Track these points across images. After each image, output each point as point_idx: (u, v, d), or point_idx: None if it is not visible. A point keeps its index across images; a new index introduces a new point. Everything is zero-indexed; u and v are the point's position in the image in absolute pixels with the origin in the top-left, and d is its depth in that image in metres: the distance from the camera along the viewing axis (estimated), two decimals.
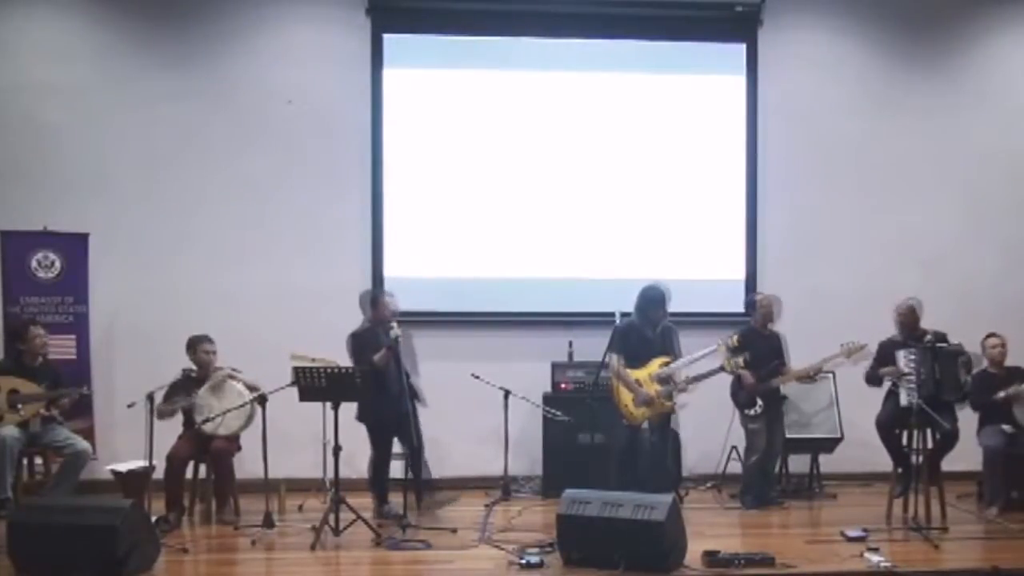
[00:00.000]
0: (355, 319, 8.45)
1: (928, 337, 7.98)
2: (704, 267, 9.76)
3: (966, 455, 8.50)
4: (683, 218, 9.83)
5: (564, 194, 9.75)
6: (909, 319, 8.31)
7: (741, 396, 8.51)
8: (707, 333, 8.77)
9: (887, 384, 8.28)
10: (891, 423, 8.16)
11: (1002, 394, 8.30)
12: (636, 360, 8.18)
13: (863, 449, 9.04)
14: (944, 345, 7.96)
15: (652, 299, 8.12)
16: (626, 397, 8.12)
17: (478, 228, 9.68)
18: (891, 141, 9.99)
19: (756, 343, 8.38)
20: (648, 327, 8.15)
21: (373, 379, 7.63)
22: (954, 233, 10.05)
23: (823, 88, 9.96)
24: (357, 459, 8.59)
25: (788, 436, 8.91)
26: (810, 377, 8.57)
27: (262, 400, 7.67)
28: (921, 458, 7.75)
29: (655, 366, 8.14)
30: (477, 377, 8.87)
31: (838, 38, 9.95)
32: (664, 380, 8.08)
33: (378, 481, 8.18)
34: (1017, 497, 8.31)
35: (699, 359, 8.22)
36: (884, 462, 8.39)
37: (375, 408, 7.83)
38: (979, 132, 10.06)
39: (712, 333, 8.74)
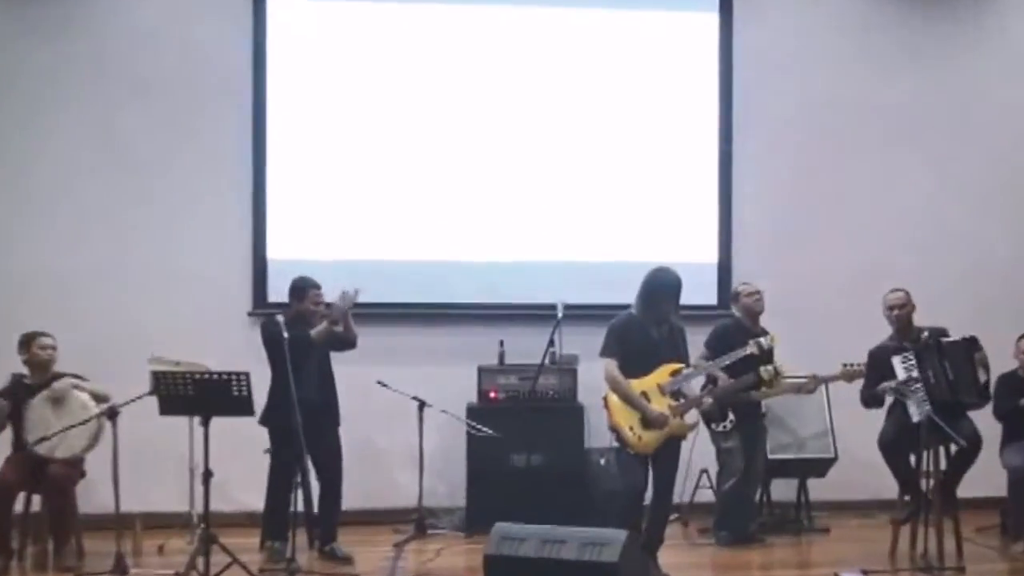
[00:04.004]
0: (231, 312, 8.46)
1: (925, 334, 7.99)
2: (667, 248, 9.66)
3: (987, 479, 8.50)
4: (642, 188, 9.89)
5: (494, 158, 9.77)
6: (905, 314, 8.31)
7: (711, 409, 8.40)
8: None
9: (891, 398, 8.27)
10: (899, 442, 8.16)
11: None
12: (637, 367, 7.57)
13: (862, 471, 9.11)
14: (950, 338, 7.98)
15: (664, 285, 7.50)
16: (628, 417, 7.45)
17: (386, 199, 9.67)
18: (893, 98, 10.08)
19: (743, 342, 8.22)
20: (653, 324, 7.56)
21: (294, 371, 7.55)
22: (965, 210, 10.18)
23: (812, 32, 10.06)
24: (232, 487, 8.58)
25: (770, 456, 8.94)
26: (801, 391, 8.68)
27: (112, 414, 7.45)
28: (933, 481, 7.70)
29: (664, 374, 7.54)
30: (383, 384, 8.68)
31: None
32: (677, 394, 7.60)
33: (277, 511, 8.04)
34: None
35: (723, 366, 8.08)
36: (887, 487, 8.39)
37: (287, 409, 7.55)
38: (1000, 88, 10.20)
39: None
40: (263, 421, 8.00)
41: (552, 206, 9.80)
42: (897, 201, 10.09)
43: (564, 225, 9.80)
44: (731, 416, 8.43)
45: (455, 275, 9.69)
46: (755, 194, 9.96)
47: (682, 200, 9.93)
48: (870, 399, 8.30)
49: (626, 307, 7.63)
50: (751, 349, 7.98)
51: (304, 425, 7.45)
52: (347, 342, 8.18)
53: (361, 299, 7.98)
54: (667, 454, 7.50)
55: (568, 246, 9.74)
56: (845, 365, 8.34)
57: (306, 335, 7.82)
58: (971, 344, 7.93)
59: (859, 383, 8.47)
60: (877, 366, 8.25)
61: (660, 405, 7.42)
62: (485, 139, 9.77)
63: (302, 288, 8.16)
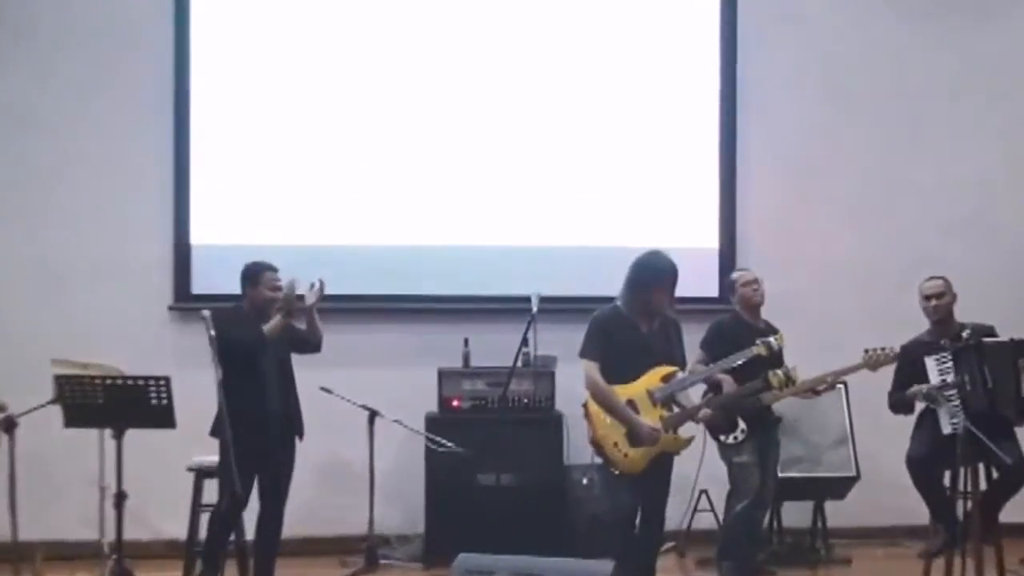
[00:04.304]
0: (148, 306, 8.57)
1: (966, 332, 7.94)
2: (661, 231, 9.61)
3: None
4: (631, 161, 9.91)
5: (457, 125, 9.79)
6: (944, 305, 8.24)
7: (716, 417, 8.24)
8: None
9: (921, 405, 8.25)
10: (929, 458, 8.09)
11: None
12: (623, 370, 7.44)
13: (887, 492, 9.11)
14: (994, 339, 7.96)
15: (656, 273, 7.33)
16: (612, 431, 7.29)
17: (329, 175, 9.70)
18: (922, 56, 10.17)
19: (745, 341, 8.16)
20: (643, 318, 7.46)
21: (246, 376, 7.56)
22: (1016, 188, 10.24)
23: None
24: (150, 511, 8.63)
25: (782, 475, 8.86)
26: (814, 392, 8.36)
27: (8, 425, 7.38)
28: (971, 505, 7.69)
29: (655, 379, 7.38)
30: (327, 391, 8.58)
31: None
32: (670, 402, 7.58)
33: (221, 537, 7.88)
34: None
35: (726, 369, 7.88)
36: (918, 511, 8.31)
37: (243, 420, 7.44)
38: None
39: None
40: (215, 432, 7.80)
41: (525, 181, 9.80)
42: (930, 177, 10.13)
43: (540, 204, 9.79)
44: (742, 425, 8.21)
45: (410, 262, 9.68)
46: (762, 171, 9.98)
47: (677, 176, 9.93)
48: (898, 403, 8.28)
49: (611, 300, 7.46)
50: (759, 350, 7.76)
51: (260, 441, 7.52)
52: (311, 343, 8.11)
53: (298, 290, 7.91)
54: (657, 473, 7.33)
55: (545, 229, 9.74)
56: (868, 351, 8.08)
57: (258, 333, 7.73)
58: (1018, 348, 7.86)
59: (883, 380, 8.34)
60: (909, 364, 8.19)
61: (650, 416, 7.22)
62: (446, 105, 9.77)
63: (255, 272, 8.00)
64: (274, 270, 7.98)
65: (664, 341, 7.43)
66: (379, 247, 9.68)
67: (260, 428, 7.55)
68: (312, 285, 7.87)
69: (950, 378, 7.82)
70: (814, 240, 10.01)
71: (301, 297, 7.83)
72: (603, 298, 7.62)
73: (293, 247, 9.30)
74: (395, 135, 9.72)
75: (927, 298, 8.29)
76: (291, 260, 8.59)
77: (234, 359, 7.47)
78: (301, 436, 7.96)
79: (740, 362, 7.73)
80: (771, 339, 7.75)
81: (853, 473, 9.17)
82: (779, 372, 7.78)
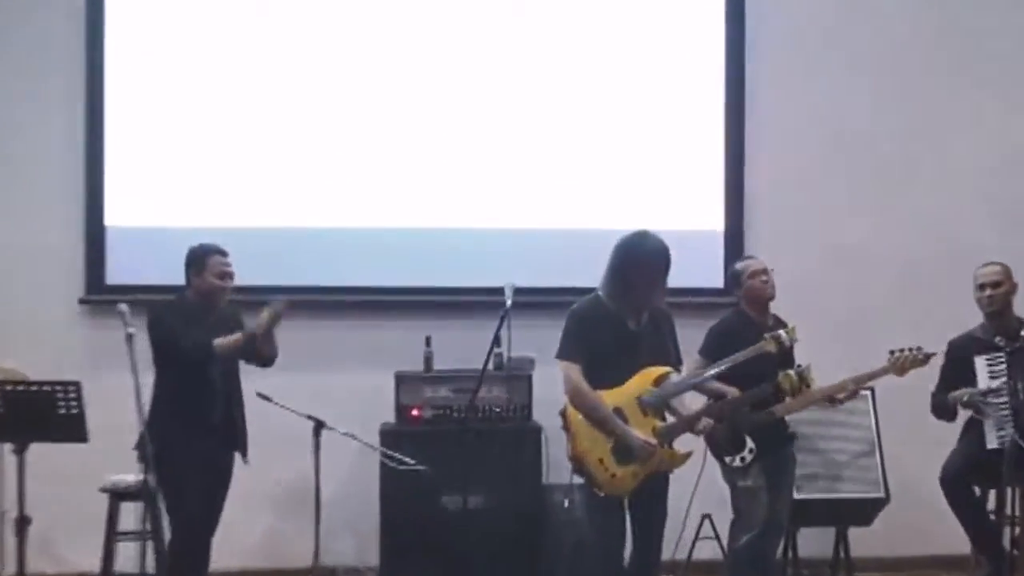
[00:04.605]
0: (56, 299, 8.64)
1: None
2: (655, 211, 9.66)
3: None
4: (621, 129, 9.93)
5: (415, 88, 9.82)
6: (1001, 296, 8.26)
7: (720, 432, 8.19)
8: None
9: (967, 412, 8.35)
10: (968, 476, 8.21)
11: None
12: (608, 372, 7.29)
13: (922, 517, 9.19)
14: None
15: (646, 257, 7.22)
16: (597, 445, 7.20)
17: (267, 145, 9.71)
18: (959, 18, 10.23)
19: (753, 343, 8.13)
20: (630, 311, 7.40)
21: (186, 380, 7.60)
22: None
23: None
24: (58, 540, 8.72)
25: (798, 497, 8.76)
26: (836, 401, 8.36)
27: None
28: (1019, 531, 7.82)
29: (645, 383, 7.33)
30: (266, 398, 8.44)
31: None
32: (661, 409, 7.36)
33: None
34: None
35: (726, 368, 7.74)
36: (956, 539, 8.40)
37: (180, 430, 7.54)
38: None
39: (681, 325, 8.24)
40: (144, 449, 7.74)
41: (497, 153, 9.83)
42: (966, 152, 10.18)
43: (515, 180, 9.83)
44: (750, 444, 8.17)
45: (363, 248, 9.73)
46: (773, 143, 10.04)
47: (675, 148, 9.97)
48: (939, 407, 8.36)
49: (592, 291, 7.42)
50: (767, 346, 7.64)
51: (196, 455, 7.53)
52: (266, 358, 8.13)
53: (235, 281, 7.99)
54: (651, 494, 7.27)
55: (521, 209, 9.79)
56: (894, 352, 8.03)
57: (205, 343, 7.68)
58: None
59: (917, 383, 8.36)
60: (957, 363, 8.28)
61: (642, 427, 7.13)
62: (400, 64, 9.82)
63: (200, 256, 7.98)
64: (223, 254, 7.97)
65: (655, 337, 7.34)
66: (324, 230, 9.69)
67: (198, 440, 7.57)
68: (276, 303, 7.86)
69: (999, 383, 7.86)
70: (834, 222, 10.04)
71: (266, 302, 7.89)
72: (589, 290, 7.51)
73: (225, 230, 9.15)
74: (344, 100, 9.76)
75: (981, 287, 8.34)
76: (224, 244, 8.50)
77: (171, 359, 7.56)
78: (245, 455, 8.01)
79: (741, 361, 7.59)
80: (781, 332, 7.61)
81: (881, 494, 9.04)
82: (791, 373, 7.63)
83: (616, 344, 7.18)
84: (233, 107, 9.68)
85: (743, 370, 7.61)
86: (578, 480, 7.29)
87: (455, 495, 8.63)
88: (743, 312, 8.32)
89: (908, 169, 10.17)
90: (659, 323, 7.37)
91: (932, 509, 8.61)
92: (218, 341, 7.64)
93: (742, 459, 8.05)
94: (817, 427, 9.04)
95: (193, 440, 7.55)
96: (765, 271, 8.30)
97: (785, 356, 7.79)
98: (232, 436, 7.85)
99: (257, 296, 8.62)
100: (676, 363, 7.39)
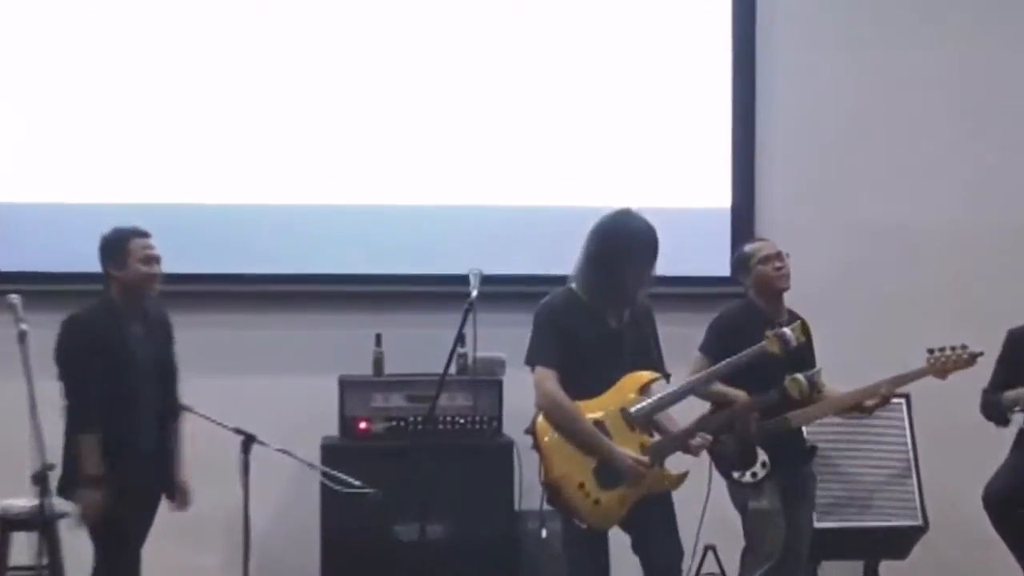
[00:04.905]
0: None
1: None
2: (649, 185, 9.82)
3: None
4: (608, 89, 10.03)
5: (363, 38, 9.90)
6: None
7: (727, 445, 8.14)
8: (671, 320, 8.18)
9: (1020, 418, 8.42)
10: (1015, 495, 8.29)
11: None
12: (586, 379, 7.23)
13: (967, 547, 9.41)
14: None
15: (628, 240, 7.18)
16: (577, 468, 7.12)
17: (182, 109, 9.77)
18: None
19: (761, 336, 8.07)
20: (612, 306, 7.35)
21: (114, 402, 7.55)
22: None
23: None
24: None
25: (820, 526, 8.78)
26: (865, 409, 8.32)
27: None
28: None
29: (629, 391, 7.31)
30: (187, 408, 8.31)
31: None
32: (650, 423, 7.33)
33: None
34: None
35: (722, 375, 7.77)
36: (1006, 571, 8.46)
37: (114, 465, 7.54)
38: None
39: (679, 322, 8.47)
40: (65, 492, 7.75)
41: (463, 116, 9.88)
42: (1006, 123, 10.29)
43: (483, 149, 9.88)
44: (762, 457, 8.15)
45: (300, 228, 9.78)
46: (789, 99, 10.11)
47: (672, 111, 10.04)
48: (990, 407, 8.40)
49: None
50: (770, 346, 7.57)
51: (122, 479, 7.51)
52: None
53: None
54: (643, 522, 7.20)
55: (490, 183, 9.85)
56: (934, 351, 8.03)
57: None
58: None
59: (961, 388, 8.33)
60: (1018, 355, 8.32)
61: (628, 444, 7.09)
62: (343, 17, 9.92)
63: (118, 242, 7.88)
64: (143, 235, 7.89)
65: (638, 337, 7.32)
66: (251, 207, 9.77)
67: (123, 468, 7.54)
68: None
69: None
70: (862, 196, 10.14)
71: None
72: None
73: (133, 206, 9.23)
74: (272, 61, 9.84)
75: None
76: (133, 223, 8.45)
77: (90, 372, 7.54)
78: (172, 494, 8.03)
79: (741, 363, 7.57)
80: (785, 330, 7.51)
81: (918, 521, 9.11)
82: (799, 377, 7.60)
83: (595, 346, 7.14)
84: (137, 65, 9.73)
85: (748, 374, 7.63)
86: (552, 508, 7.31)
87: (410, 523, 8.71)
88: (752, 303, 8.29)
89: (956, 130, 10.21)
90: (640, 321, 7.35)
91: (980, 538, 8.71)
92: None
93: (753, 475, 8.02)
94: (841, 441, 9.19)
95: (115, 470, 7.52)
96: (779, 255, 8.25)
97: (797, 356, 7.70)
98: (161, 466, 7.87)
99: (177, 287, 8.66)
100: (660, 367, 7.37)
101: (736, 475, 8.10)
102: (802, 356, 7.89)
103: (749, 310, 8.24)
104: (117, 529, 7.69)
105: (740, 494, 8.16)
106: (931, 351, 7.94)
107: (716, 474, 8.08)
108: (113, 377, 7.59)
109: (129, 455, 7.57)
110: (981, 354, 7.93)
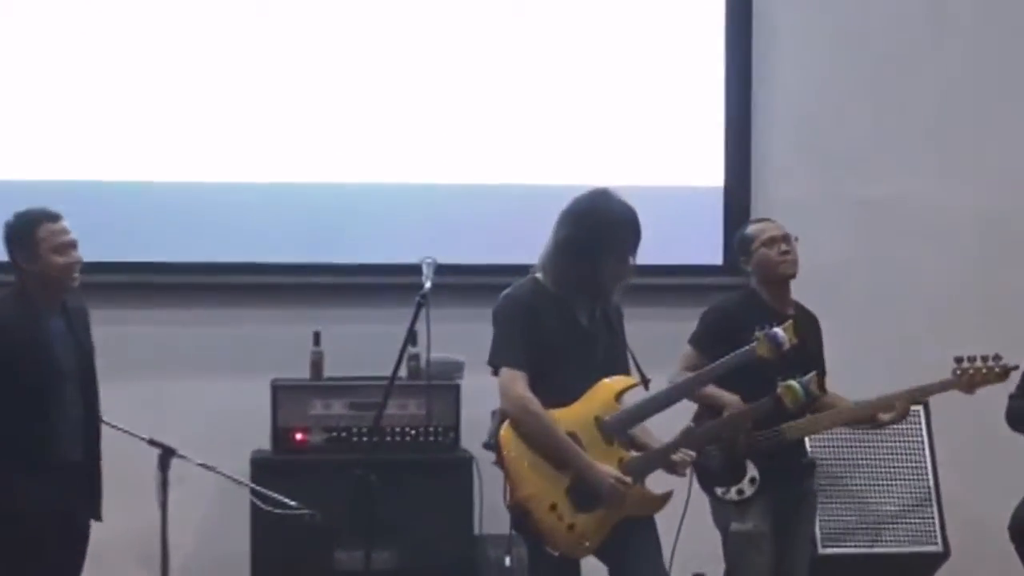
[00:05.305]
0: None
1: None
2: (630, 162, 9.90)
3: None
4: (586, 59, 10.10)
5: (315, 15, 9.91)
6: None
7: (713, 456, 7.91)
8: (654, 315, 8.50)
9: None
10: None
11: None
12: (558, 384, 7.14)
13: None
14: None
15: (604, 224, 6.98)
16: (548, 487, 6.88)
17: (92, 71, 9.76)
18: None
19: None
20: (583, 300, 7.27)
21: (37, 413, 7.42)
22: None
23: None
24: None
25: (824, 552, 8.86)
26: (878, 423, 8.12)
27: None
28: None
29: (604, 398, 7.17)
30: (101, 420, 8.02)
31: None
32: (625, 435, 7.24)
33: None
34: None
35: (708, 380, 7.63)
36: None
37: (39, 482, 7.38)
38: None
39: (664, 317, 8.61)
40: None
41: (419, 79, 9.89)
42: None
43: (438, 118, 9.87)
44: (751, 472, 8.01)
45: (226, 210, 9.79)
46: (789, 62, 10.19)
47: (659, 80, 10.10)
48: (1016, 415, 8.30)
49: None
50: (760, 349, 7.37)
51: (46, 503, 7.33)
52: None
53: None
54: (622, 549, 7.00)
55: (446, 157, 9.81)
56: (961, 361, 7.92)
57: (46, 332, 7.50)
58: None
59: (987, 402, 8.22)
60: None
61: (605, 459, 6.88)
62: None
63: (23, 230, 7.67)
64: (54, 219, 7.70)
65: (610, 337, 7.17)
66: (172, 184, 9.72)
67: (47, 486, 7.38)
68: None
69: None
70: (874, 175, 10.17)
71: None
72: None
73: (53, 184, 9.35)
74: (213, 32, 9.82)
75: None
76: (52, 203, 8.32)
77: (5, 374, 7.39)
78: (98, 513, 7.88)
79: (729, 366, 7.39)
80: (776, 330, 7.25)
81: (939, 547, 9.07)
82: (793, 384, 7.39)
83: (565, 346, 6.97)
84: (59, 35, 9.70)
85: (742, 374, 7.44)
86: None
87: (354, 549, 8.50)
88: (754, 293, 8.17)
89: (984, 100, 10.23)
90: (613, 319, 7.19)
91: (1010, 567, 8.54)
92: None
93: (739, 492, 7.92)
94: (850, 455, 9.21)
95: (39, 488, 7.38)
96: (786, 238, 8.13)
97: (788, 359, 7.43)
98: (90, 480, 7.71)
99: (94, 277, 8.50)
100: (632, 374, 7.21)
101: (720, 491, 8.00)
102: (808, 357, 7.73)
103: (750, 301, 8.14)
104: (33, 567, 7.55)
105: (722, 513, 8.07)
106: (959, 360, 7.80)
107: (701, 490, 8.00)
108: (30, 379, 7.41)
109: (51, 468, 7.43)
110: (1016, 367, 7.84)
